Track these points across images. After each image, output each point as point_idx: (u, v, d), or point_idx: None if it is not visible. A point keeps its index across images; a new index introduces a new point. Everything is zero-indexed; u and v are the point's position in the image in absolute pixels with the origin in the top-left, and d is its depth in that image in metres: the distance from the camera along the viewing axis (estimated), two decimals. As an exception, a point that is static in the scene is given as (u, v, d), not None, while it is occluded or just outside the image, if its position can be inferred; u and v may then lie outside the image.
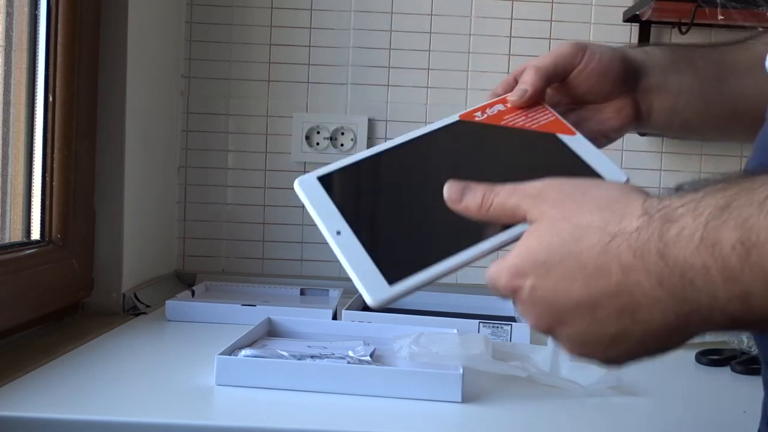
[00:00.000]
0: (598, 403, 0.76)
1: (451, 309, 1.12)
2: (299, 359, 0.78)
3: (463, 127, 0.57)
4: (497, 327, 1.00)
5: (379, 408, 0.71)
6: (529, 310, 0.41)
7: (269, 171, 1.34)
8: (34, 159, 0.96)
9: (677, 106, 0.61)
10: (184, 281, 1.31)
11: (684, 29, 1.25)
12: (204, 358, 0.81)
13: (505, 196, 0.44)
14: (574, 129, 0.55)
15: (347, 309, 1.04)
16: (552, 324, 0.41)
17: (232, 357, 0.76)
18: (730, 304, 0.35)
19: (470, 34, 1.32)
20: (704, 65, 0.61)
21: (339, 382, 0.73)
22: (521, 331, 0.99)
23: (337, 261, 0.47)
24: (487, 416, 0.71)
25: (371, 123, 1.32)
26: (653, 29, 1.30)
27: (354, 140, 1.31)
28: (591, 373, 0.79)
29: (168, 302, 1.05)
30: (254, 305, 1.05)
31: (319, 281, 1.29)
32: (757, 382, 0.56)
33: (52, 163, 0.96)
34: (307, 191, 0.48)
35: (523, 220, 0.43)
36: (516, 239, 0.44)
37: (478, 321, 1.00)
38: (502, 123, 0.57)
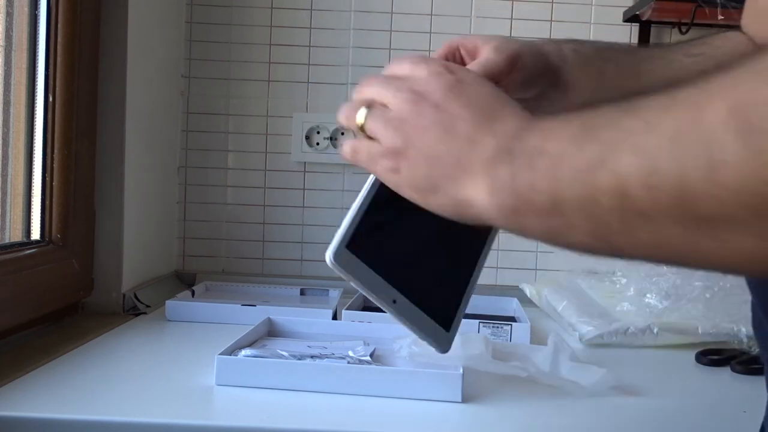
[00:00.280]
0: (598, 403, 0.76)
1: (451, 309, 1.12)
2: (299, 359, 0.78)
3: None
4: (497, 327, 0.99)
5: (379, 408, 0.71)
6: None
7: (269, 171, 1.34)
8: (34, 159, 0.96)
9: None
10: (184, 281, 1.31)
11: (684, 29, 1.25)
12: (204, 358, 0.81)
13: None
14: None
15: (347, 309, 1.04)
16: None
17: (232, 357, 0.76)
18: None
19: (470, 35, 1.32)
20: (614, 74, 0.61)
21: (339, 382, 0.73)
22: (521, 331, 0.99)
23: None
24: (487, 416, 0.71)
25: (371, 123, 1.32)
26: (653, 29, 1.30)
27: (354, 140, 1.31)
28: (591, 373, 0.79)
29: (168, 302, 1.05)
30: (254, 305, 1.05)
31: (319, 281, 1.29)
32: (757, 382, 0.56)
33: (52, 163, 0.96)
34: (345, 266, 0.47)
35: None
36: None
37: (478, 321, 1.00)
38: None
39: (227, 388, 0.74)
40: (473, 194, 0.41)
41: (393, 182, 0.45)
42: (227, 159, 1.34)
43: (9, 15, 0.91)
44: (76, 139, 0.99)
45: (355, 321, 0.99)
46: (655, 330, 1.00)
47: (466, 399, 0.73)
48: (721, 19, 1.12)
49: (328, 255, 0.46)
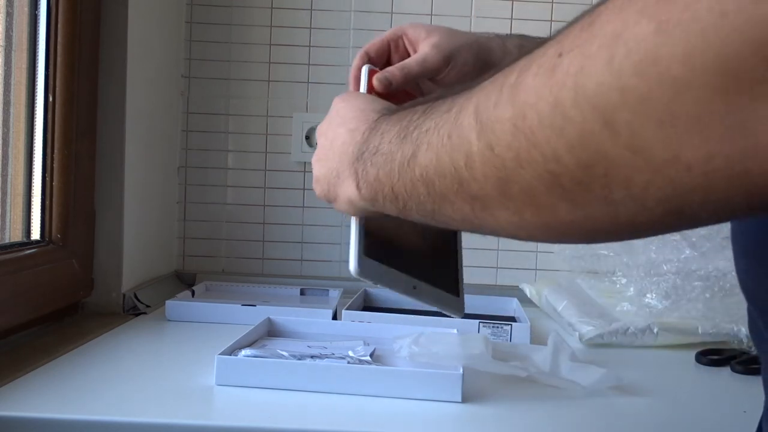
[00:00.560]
0: (598, 403, 0.76)
1: (451, 309, 1.12)
2: (299, 359, 0.77)
3: None
4: (497, 327, 1.00)
5: (379, 408, 0.71)
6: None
7: (269, 171, 1.34)
8: (34, 159, 0.96)
9: None
10: (184, 281, 1.31)
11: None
12: (204, 358, 0.81)
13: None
14: None
15: (347, 309, 1.04)
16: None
17: (232, 357, 0.76)
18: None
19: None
20: None
21: (339, 382, 0.73)
22: (521, 331, 0.99)
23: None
24: (487, 416, 0.71)
25: (371, 123, 1.32)
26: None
27: (354, 140, 1.31)
28: (591, 373, 0.79)
29: (168, 302, 1.05)
30: (254, 305, 1.05)
31: (319, 281, 1.29)
32: (756, 382, 0.56)
33: (52, 163, 0.96)
34: (369, 273, 0.53)
35: None
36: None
37: (478, 321, 1.00)
38: None
39: (227, 388, 0.74)
40: (351, 192, 0.49)
41: (324, 200, 0.55)
42: (227, 159, 1.34)
43: (9, 15, 0.91)
44: (76, 139, 0.99)
45: (355, 321, 0.99)
46: (655, 330, 1.00)
47: (466, 399, 0.73)
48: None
49: (353, 268, 0.53)
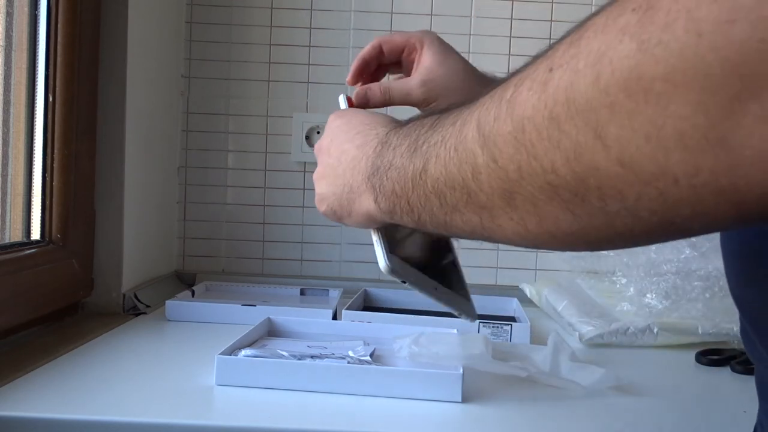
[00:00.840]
0: (598, 403, 0.76)
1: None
2: (299, 359, 0.77)
3: None
4: (497, 327, 1.00)
5: (379, 408, 0.71)
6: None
7: (269, 171, 1.34)
8: (34, 159, 0.96)
9: None
10: (184, 281, 1.31)
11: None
12: (204, 358, 0.81)
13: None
14: None
15: (347, 309, 1.04)
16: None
17: (232, 357, 0.76)
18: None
19: (470, 34, 1.32)
20: None
21: (339, 382, 0.73)
22: (521, 331, 0.99)
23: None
24: (487, 416, 0.71)
25: (371, 123, 1.32)
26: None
27: (354, 140, 1.31)
28: (591, 373, 0.79)
29: (168, 302, 1.05)
30: (254, 305, 1.05)
31: (319, 281, 1.29)
32: (757, 382, 0.56)
33: (52, 163, 0.96)
34: (398, 271, 0.54)
35: None
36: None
37: (478, 321, 0.99)
38: None
39: (227, 388, 0.74)
40: (368, 206, 0.51)
41: (331, 217, 0.56)
42: (227, 159, 1.34)
43: (9, 15, 0.91)
44: (76, 139, 0.99)
45: (355, 321, 0.99)
46: (655, 330, 1.00)
47: (466, 399, 0.73)
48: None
49: (383, 265, 0.54)
